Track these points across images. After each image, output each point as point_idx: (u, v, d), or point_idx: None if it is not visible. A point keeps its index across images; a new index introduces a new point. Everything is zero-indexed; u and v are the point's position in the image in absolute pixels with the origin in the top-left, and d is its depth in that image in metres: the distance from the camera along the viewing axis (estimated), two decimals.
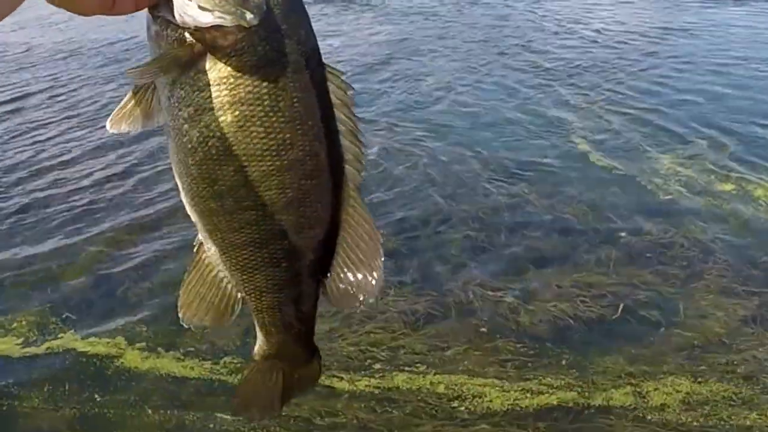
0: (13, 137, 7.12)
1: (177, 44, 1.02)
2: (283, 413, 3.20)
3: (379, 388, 3.52)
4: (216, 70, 1.03)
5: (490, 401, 3.42)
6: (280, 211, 1.13)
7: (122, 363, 3.76)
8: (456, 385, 3.53)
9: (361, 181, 1.17)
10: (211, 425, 3.33)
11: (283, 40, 1.04)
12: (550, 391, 3.46)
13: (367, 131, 6.30)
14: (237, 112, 1.05)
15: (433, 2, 12.36)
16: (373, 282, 1.20)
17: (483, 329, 3.90)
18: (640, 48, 9.35)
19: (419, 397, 3.45)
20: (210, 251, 1.21)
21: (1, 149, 6.83)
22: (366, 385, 3.53)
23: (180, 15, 0.99)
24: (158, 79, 1.07)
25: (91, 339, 3.93)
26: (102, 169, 6.16)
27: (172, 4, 0.99)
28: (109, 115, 1.11)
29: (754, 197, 5.17)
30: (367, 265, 1.20)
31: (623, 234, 4.76)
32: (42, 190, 5.82)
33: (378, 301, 4.04)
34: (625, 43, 9.65)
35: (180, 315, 1.24)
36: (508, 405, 3.39)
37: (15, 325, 4.08)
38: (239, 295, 1.24)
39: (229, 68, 1.03)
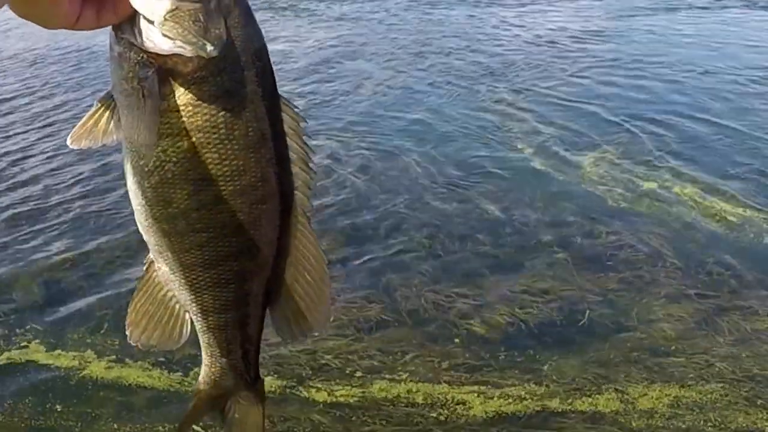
0: None
1: (138, 67, 1.03)
2: None
3: (331, 395, 3.46)
4: (175, 97, 1.05)
5: (443, 407, 3.39)
6: (231, 234, 1.17)
7: (87, 374, 3.64)
8: (408, 391, 3.49)
9: (310, 207, 1.22)
10: None
11: (242, 71, 1.07)
12: (503, 396, 3.44)
13: (316, 138, 6.24)
14: (194, 139, 1.07)
15: (372, 7, 12.34)
16: (319, 312, 1.25)
17: (435, 335, 3.87)
18: (578, 49, 9.46)
19: (370, 404, 3.40)
20: (160, 270, 1.23)
21: None
22: (317, 391, 3.48)
23: (143, 39, 1.01)
24: (118, 99, 1.09)
25: (56, 351, 3.81)
26: (68, 178, 5.99)
27: (136, 27, 1.01)
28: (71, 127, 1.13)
29: (701, 203, 5.25)
30: (314, 294, 1.24)
31: (573, 239, 4.79)
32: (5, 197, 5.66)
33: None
34: (561, 44, 9.75)
35: (128, 333, 1.26)
36: (461, 410, 3.36)
37: None
38: (187, 315, 1.27)
39: (188, 95, 1.05)
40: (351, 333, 3.87)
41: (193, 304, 1.24)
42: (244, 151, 1.10)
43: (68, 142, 1.11)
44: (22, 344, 3.86)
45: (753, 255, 4.56)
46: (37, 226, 5.14)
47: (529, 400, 3.41)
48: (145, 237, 1.20)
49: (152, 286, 1.25)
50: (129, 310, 1.25)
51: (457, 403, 3.40)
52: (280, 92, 1.14)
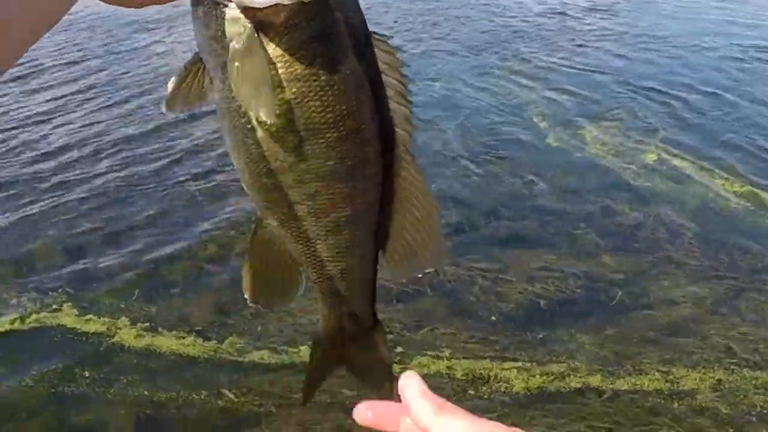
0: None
1: (228, 24, 1.02)
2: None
3: None
4: (271, 49, 1.03)
5: (484, 383, 3.44)
6: (339, 181, 1.14)
7: (117, 341, 3.68)
8: (429, 363, 3.54)
9: (411, 141, 1.18)
10: (219, 403, 3.30)
11: (333, 12, 1.04)
12: (521, 371, 3.49)
13: None
14: (294, 89, 1.05)
15: None
16: (433, 249, 1.20)
17: (457, 308, 3.92)
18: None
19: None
20: (270, 227, 1.21)
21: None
22: None
23: None
24: (208, 61, 1.08)
25: (87, 317, 3.84)
26: (103, 143, 5.99)
27: None
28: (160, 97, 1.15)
29: (720, 182, 5.25)
30: (424, 231, 1.21)
31: (595, 215, 4.82)
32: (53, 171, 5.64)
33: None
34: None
35: (246, 296, 1.23)
36: (503, 387, 3.41)
37: (13, 299, 3.98)
38: (301, 267, 1.24)
39: (284, 46, 1.03)
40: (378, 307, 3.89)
41: (307, 256, 1.21)
42: (345, 95, 1.08)
43: (163, 109, 1.10)
44: (53, 308, 3.91)
45: None
46: (70, 195, 5.16)
47: (546, 376, 3.45)
48: (251, 195, 1.18)
49: (264, 245, 1.23)
50: (243, 272, 1.23)
51: (499, 381, 3.45)
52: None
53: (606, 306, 3.97)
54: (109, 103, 7.07)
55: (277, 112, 1.06)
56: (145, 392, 3.37)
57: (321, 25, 1.04)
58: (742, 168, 5.39)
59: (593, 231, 4.63)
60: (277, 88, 1.05)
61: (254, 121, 1.08)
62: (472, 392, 3.39)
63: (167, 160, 5.65)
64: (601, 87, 7.06)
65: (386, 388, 1.36)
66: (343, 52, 1.07)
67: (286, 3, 0.97)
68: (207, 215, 4.83)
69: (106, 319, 3.83)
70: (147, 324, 3.80)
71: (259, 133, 1.09)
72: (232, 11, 1.00)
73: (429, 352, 3.61)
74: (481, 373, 3.49)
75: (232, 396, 3.33)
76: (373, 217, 1.21)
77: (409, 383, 0.98)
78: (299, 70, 1.05)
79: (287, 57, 1.04)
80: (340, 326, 1.32)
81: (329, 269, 1.24)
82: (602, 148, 5.79)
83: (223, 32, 1.02)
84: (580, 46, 8.44)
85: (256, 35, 1.02)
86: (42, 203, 5.03)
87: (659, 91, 6.93)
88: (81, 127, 6.40)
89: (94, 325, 3.79)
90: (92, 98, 7.24)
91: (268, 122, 1.06)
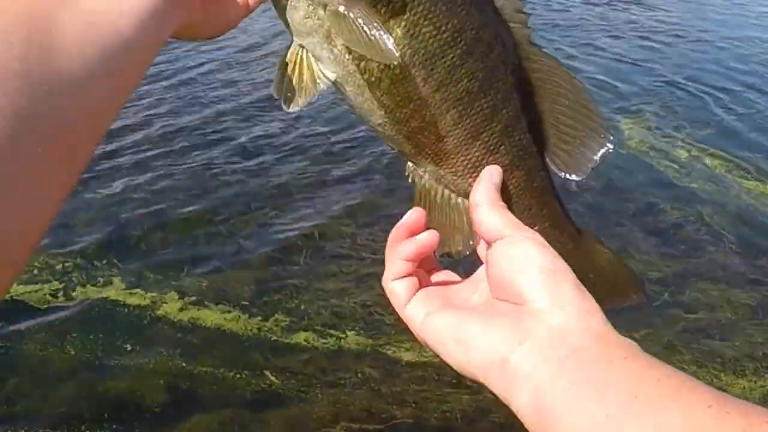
0: None
1: None
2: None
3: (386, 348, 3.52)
4: None
5: None
6: (477, 98, 1.11)
7: (162, 314, 3.69)
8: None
9: (530, 33, 1.14)
10: (262, 384, 3.31)
11: None
12: None
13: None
14: (403, 22, 1.04)
15: None
16: (595, 133, 1.15)
17: None
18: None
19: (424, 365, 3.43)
20: (427, 173, 1.18)
21: None
22: (372, 345, 3.55)
23: None
24: (306, 43, 1.07)
25: (134, 290, 3.85)
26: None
27: None
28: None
29: (762, 185, 5.21)
30: (579, 116, 1.15)
31: (634, 212, 4.78)
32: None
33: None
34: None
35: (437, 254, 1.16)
36: None
37: (59, 266, 3.98)
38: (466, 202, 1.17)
39: None
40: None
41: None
42: (451, 11, 1.06)
43: (286, 108, 1.08)
44: (99, 279, 3.91)
45: None
46: (121, 167, 5.11)
47: None
48: (396, 147, 1.16)
49: (430, 195, 1.18)
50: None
51: None
52: None
53: (650, 306, 3.94)
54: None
55: (397, 51, 1.04)
56: (184, 364, 3.38)
57: None
58: None
59: (632, 226, 4.60)
60: (388, 28, 1.03)
61: (378, 72, 1.07)
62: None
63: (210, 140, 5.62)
64: (639, 81, 6.99)
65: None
66: None
67: None
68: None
69: (152, 294, 3.82)
70: (193, 298, 3.79)
71: (386, 81, 1.07)
72: None
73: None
74: None
75: (271, 377, 3.33)
76: (524, 122, 1.16)
77: (495, 171, 1.09)
78: (400, 2, 1.02)
79: None
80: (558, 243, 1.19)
81: (504, 193, 1.14)
82: (641, 144, 5.74)
83: (315, 4, 1.02)
84: (616, 37, 8.35)
85: None
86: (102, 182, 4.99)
87: (698, 87, 6.86)
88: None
89: (138, 298, 3.79)
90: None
91: (392, 65, 1.05)
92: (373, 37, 1.02)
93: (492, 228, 0.98)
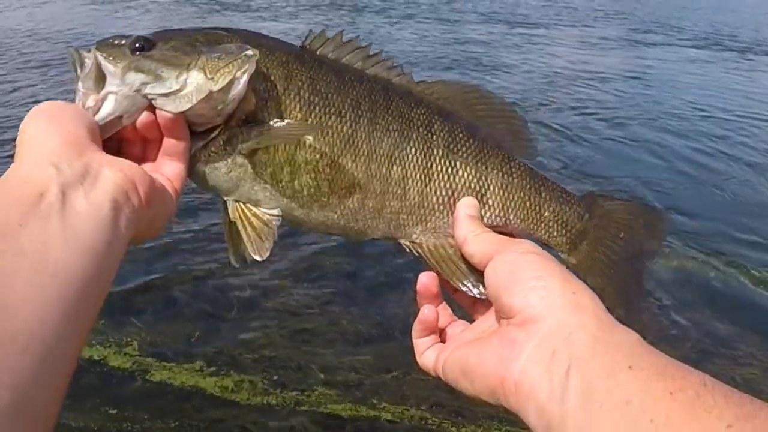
0: None
1: (228, 147, 1.09)
2: None
3: (317, 404, 3.45)
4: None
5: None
6: (405, 142, 1.17)
7: (150, 377, 3.52)
8: (396, 412, 3.44)
9: (410, 75, 1.25)
10: None
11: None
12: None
13: None
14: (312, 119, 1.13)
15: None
16: (504, 111, 1.27)
17: None
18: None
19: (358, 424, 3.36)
20: (420, 236, 1.20)
21: None
22: (302, 401, 3.46)
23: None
24: (239, 195, 1.12)
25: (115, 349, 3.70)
26: None
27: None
28: None
29: None
30: (493, 108, 1.25)
31: None
32: None
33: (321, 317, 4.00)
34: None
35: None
36: None
37: None
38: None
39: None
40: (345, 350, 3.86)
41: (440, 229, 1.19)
42: (345, 89, 1.14)
43: (257, 258, 1.09)
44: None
45: None
46: None
47: None
48: (381, 235, 1.19)
49: (436, 252, 1.16)
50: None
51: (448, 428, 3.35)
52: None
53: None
54: None
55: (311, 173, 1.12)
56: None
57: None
58: None
59: None
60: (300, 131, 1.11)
61: (314, 181, 1.11)
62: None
63: None
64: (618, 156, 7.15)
65: None
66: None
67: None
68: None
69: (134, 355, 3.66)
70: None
71: (324, 184, 1.12)
72: (221, 137, 1.07)
73: (393, 399, 3.51)
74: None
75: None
76: (460, 133, 1.20)
77: (465, 204, 1.13)
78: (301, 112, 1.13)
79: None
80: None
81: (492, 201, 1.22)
82: None
83: (232, 156, 1.07)
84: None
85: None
86: None
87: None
88: None
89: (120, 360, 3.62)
90: None
91: (320, 168, 1.11)
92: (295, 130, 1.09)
93: (483, 255, 1.01)
